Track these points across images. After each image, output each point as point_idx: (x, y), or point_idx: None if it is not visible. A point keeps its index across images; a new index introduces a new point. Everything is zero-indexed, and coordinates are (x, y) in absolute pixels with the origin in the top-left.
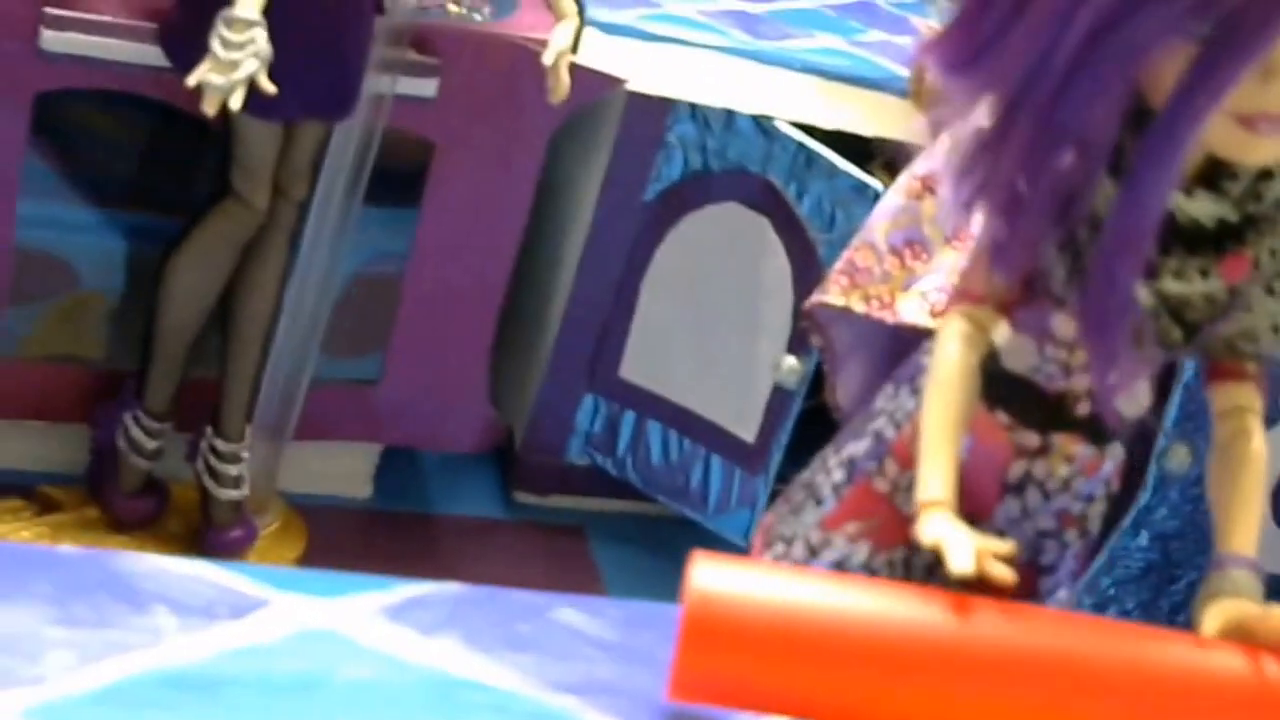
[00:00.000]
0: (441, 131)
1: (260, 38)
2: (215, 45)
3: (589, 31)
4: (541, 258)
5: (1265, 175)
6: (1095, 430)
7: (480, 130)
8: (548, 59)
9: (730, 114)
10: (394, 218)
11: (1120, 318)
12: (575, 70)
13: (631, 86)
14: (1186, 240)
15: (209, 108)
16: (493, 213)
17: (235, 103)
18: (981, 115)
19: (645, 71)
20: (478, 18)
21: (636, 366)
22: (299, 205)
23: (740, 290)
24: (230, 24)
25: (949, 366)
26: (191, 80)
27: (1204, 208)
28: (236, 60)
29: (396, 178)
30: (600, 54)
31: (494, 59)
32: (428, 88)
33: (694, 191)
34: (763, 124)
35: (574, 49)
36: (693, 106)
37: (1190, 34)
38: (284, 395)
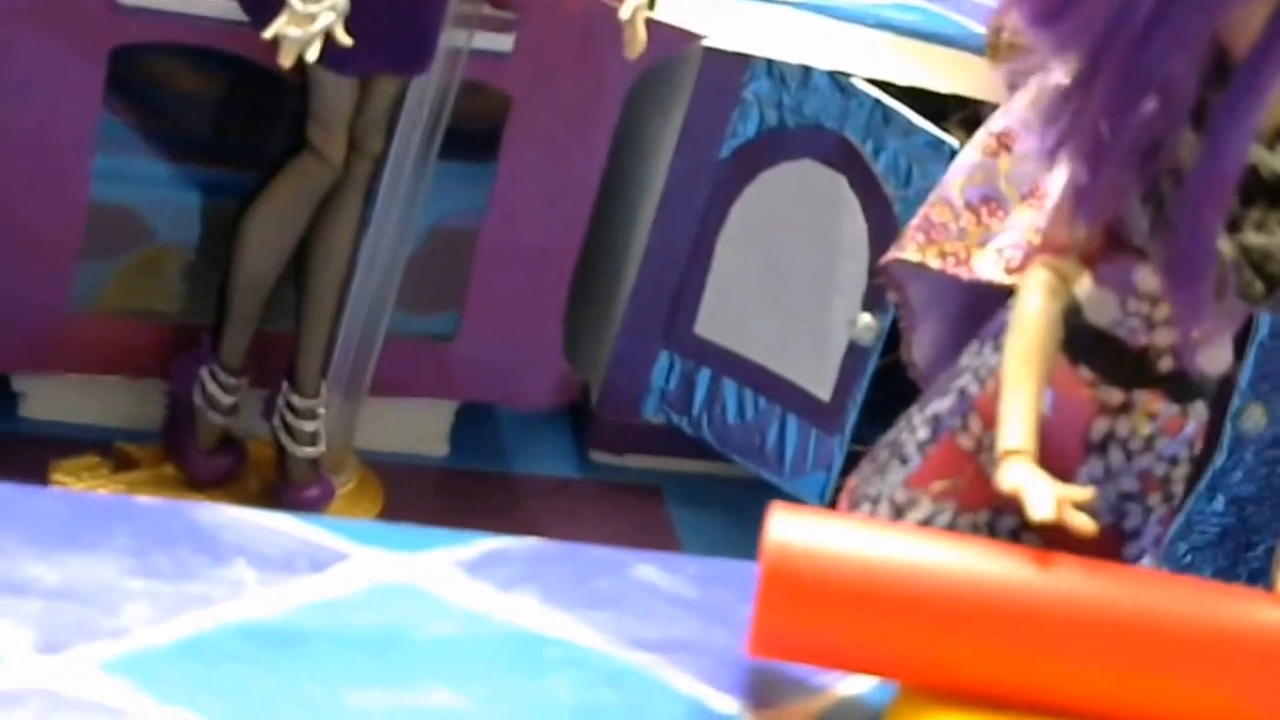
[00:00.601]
0: (518, 87)
1: None
2: None
3: None
4: (617, 214)
5: None
6: (1178, 388)
7: (556, 86)
8: (624, 14)
9: (807, 70)
10: (470, 173)
11: (1204, 270)
12: (652, 26)
13: (708, 43)
14: (1269, 192)
15: (286, 60)
16: (569, 168)
17: (312, 55)
18: (1062, 69)
19: (722, 27)
20: None
21: (712, 323)
22: (374, 160)
23: (816, 247)
24: None
25: (1031, 316)
26: (269, 33)
27: None
28: (314, 13)
29: (473, 133)
30: (677, 10)
31: (570, 14)
32: (504, 43)
33: (770, 148)
34: (839, 81)
35: (651, 4)
36: (769, 63)
37: None
38: (359, 351)
